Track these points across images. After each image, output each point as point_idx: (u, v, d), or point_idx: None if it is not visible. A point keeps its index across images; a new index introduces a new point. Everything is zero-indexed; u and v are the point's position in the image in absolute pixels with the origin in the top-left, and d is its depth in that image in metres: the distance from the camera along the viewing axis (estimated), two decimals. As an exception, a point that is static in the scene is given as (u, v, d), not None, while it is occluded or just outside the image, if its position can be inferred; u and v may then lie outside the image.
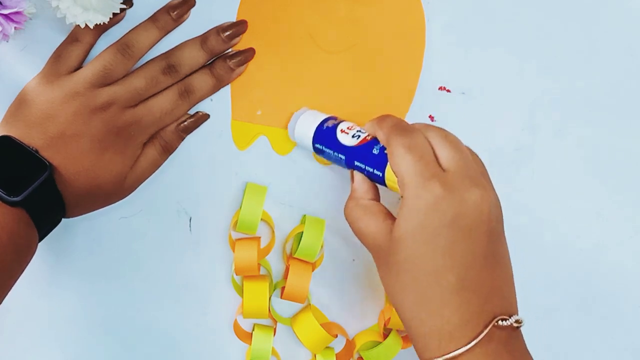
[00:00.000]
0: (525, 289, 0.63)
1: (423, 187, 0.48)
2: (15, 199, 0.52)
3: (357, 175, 0.54)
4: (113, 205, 0.59)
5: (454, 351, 0.47)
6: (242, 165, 0.61)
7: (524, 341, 0.50)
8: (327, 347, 0.62)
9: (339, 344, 0.63)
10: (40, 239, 0.55)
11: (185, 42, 0.59)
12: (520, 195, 0.62)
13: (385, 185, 0.53)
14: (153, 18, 0.59)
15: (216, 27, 0.59)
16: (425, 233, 0.47)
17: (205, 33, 0.59)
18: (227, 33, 0.59)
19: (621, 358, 0.64)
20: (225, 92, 0.60)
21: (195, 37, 0.59)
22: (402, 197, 0.49)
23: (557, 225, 0.63)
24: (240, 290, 0.62)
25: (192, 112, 0.60)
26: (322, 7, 0.60)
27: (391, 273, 0.49)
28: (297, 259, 0.60)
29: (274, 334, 0.62)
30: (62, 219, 0.57)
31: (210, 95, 0.60)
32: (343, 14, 0.61)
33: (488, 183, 0.51)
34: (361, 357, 0.63)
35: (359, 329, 0.63)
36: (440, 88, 0.62)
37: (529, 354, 0.50)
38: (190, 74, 0.59)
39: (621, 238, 0.63)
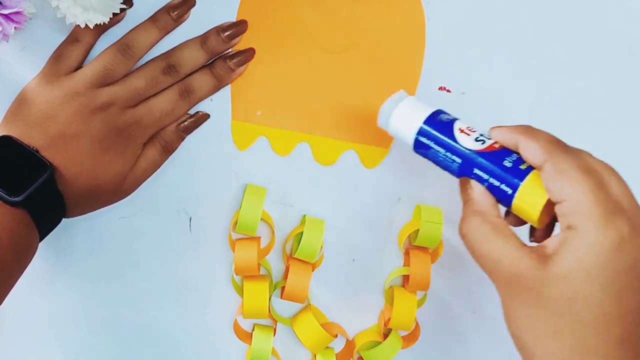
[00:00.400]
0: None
1: (607, 222, 0.41)
2: (15, 199, 0.52)
3: (478, 186, 0.46)
4: (113, 205, 0.59)
5: None
6: (242, 165, 0.61)
7: None
8: (327, 347, 0.62)
9: (339, 344, 0.63)
10: (41, 239, 0.55)
11: (186, 42, 0.59)
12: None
13: (507, 205, 0.45)
14: (153, 18, 0.59)
15: (216, 27, 0.59)
16: (603, 275, 0.41)
17: (205, 33, 0.59)
18: (227, 33, 0.59)
19: (621, 358, 0.64)
20: (225, 92, 0.60)
21: (196, 37, 0.59)
22: (570, 227, 0.42)
23: (557, 225, 0.63)
24: (240, 290, 0.62)
25: (192, 112, 0.60)
26: (322, 7, 0.60)
27: (539, 310, 0.43)
28: (297, 259, 0.60)
29: (274, 334, 0.62)
30: (62, 219, 0.57)
31: (211, 95, 0.60)
32: (343, 14, 0.61)
33: None
34: (361, 357, 0.63)
35: (359, 329, 0.63)
36: (440, 88, 0.62)
37: None
38: (190, 74, 0.59)
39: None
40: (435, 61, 0.61)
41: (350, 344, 0.63)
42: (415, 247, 0.62)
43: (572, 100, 0.62)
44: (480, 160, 0.46)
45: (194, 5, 0.59)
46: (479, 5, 0.61)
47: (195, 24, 0.59)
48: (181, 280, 0.62)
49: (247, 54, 0.60)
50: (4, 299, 0.52)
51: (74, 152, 0.55)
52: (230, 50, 0.60)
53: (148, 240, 0.61)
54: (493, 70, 0.62)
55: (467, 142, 0.47)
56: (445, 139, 0.47)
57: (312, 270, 0.61)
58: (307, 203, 0.62)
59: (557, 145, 0.44)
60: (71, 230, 0.61)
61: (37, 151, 0.54)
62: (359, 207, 0.62)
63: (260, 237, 0.61)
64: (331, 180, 0.62)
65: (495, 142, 0.47)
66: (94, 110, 0.55)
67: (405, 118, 0.49)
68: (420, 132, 0.49)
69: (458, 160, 0.47)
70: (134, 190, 0.59)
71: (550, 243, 0.43)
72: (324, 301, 0.63)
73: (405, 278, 0.62)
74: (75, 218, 0.58)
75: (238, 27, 0.59)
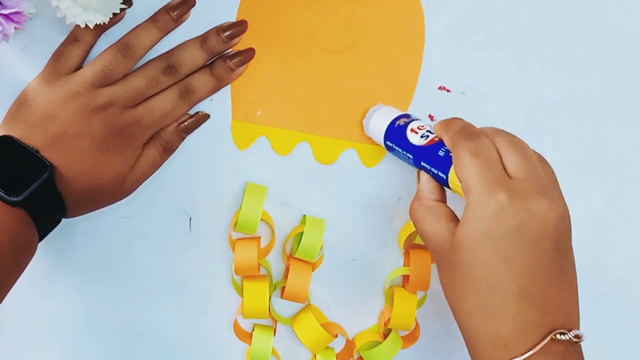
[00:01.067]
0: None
1: (488, 194, 0.47)
2: (15, 199, 0.52)
3: (424, 175, 0.54)
4: (113, 205, 0.59)
5: None
6: (242, 165, 0.61)
7: (583, 357, 0.49)
8: (327, 347, 0.62)
9: (339, 344, 0.63)
10: (40, 239, 0.55)
11: (186, 42, 0.59)
12: (520, 195, 0.62)
13: (447, 187, 0.52)
14: (153, 18, 0.59)
15: (216, 27, 0.59)
16: (488, 240, 0.47)
17: (205, 33, 0.59)
18: (227, 33, 0.59)
19: (621, 358, 0.64)
20: (226, 92, 0.60)
21: (196, 37, 0.59)
22: (466, 201, 0.48)
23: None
24: (240, 290, 0.62)
25: (192, 112, 0.60)
26: (322, 7, 0.60)
27: (451, 276, 0.49)
28: (297, 258, 0.60)
29: (274, 334, 0.62)
30: (62, 219, 0.57)
31: (210, 95, 0.60)
32: (343, 14, 0.61)
33: (556, 193, 0.50)
34: (361, 357, 0.63)
35: (359, 329, 0.63)
36: (440, 88, 0.62)
37: None
38: (190, 74, 0.59)
39: (621, 238, 0.63)
40: (435, 61, 0.61)
41: (350, 344, 0.63)
42: (415, 247, 0.62)
43: (572, 100, 0.62)
44: (422, 152, 0.54)
45: (193, 5, 0.59)
46: (479, 5, 0.61)
47: (195, 24, 0.59)
48: (181, 280, 0.62)
49: (247, 54, 0.60)
50: (4, 298, 0.52)
51: (74, 152, 0.55)
52: (230, 50, 0.60)
53: (148, 240, 0.61)
54: (493, 70, 0.62)
55: (415, 139, 0.55)
56: (400, 139, 0.56)
57: (312, 270, 0.61)
58: (307, 203, 0.62)
59: (460, 133, 0.50)
60: (71, 230, 0.61)
61: (37, 151, 0.54)
62: (359, 207, 0.62)
63: (260, 237, 0.61)
64: (331, 180, 0.62)
65: (436, 136, 0.54)
66: (94, 111, 0.55)
67: (376, 127, 0.58)
68: (385, 137, 0.58)
69: (410, 155, 0.55)
70: (133, 191, 0.59)
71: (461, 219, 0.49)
72: (324, 301, 0.63)
73: (405, 278, 0.62)
74: (75, 218, 0.58)
75: (238, 27, 0.59)
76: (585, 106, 0.63)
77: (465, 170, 0.48)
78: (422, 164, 0.54)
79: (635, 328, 0.64)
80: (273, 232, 0.61)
